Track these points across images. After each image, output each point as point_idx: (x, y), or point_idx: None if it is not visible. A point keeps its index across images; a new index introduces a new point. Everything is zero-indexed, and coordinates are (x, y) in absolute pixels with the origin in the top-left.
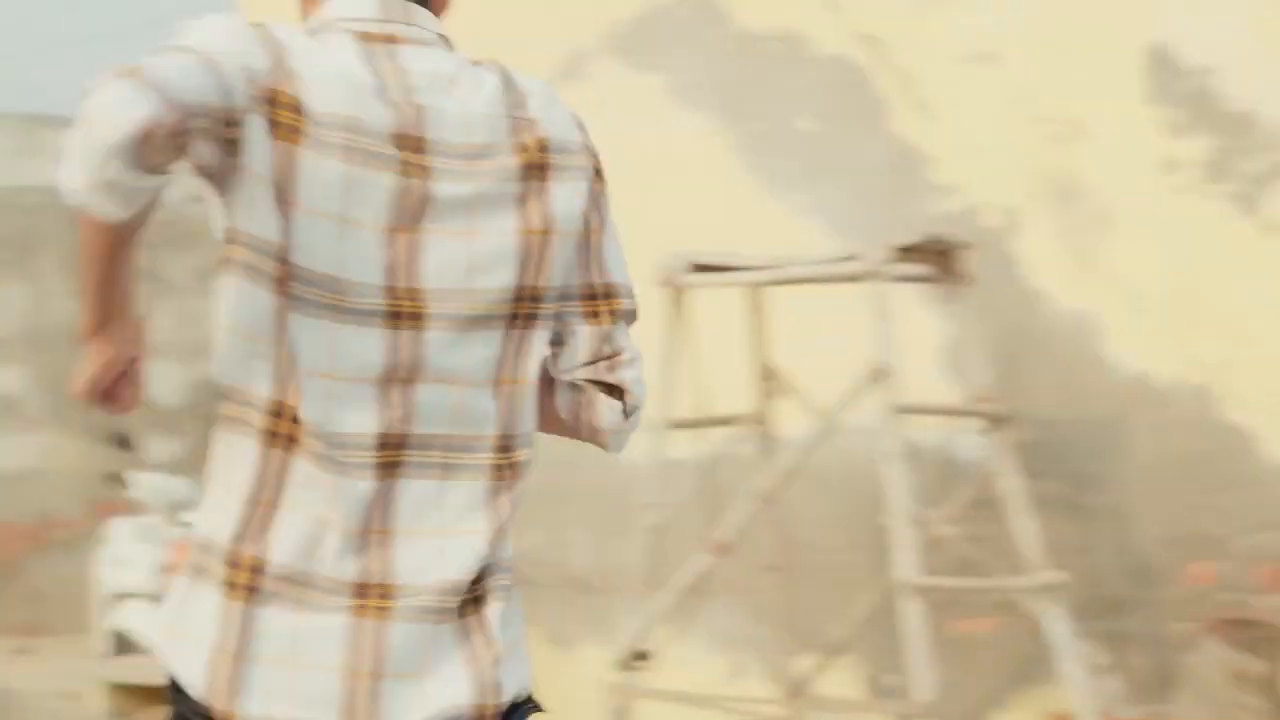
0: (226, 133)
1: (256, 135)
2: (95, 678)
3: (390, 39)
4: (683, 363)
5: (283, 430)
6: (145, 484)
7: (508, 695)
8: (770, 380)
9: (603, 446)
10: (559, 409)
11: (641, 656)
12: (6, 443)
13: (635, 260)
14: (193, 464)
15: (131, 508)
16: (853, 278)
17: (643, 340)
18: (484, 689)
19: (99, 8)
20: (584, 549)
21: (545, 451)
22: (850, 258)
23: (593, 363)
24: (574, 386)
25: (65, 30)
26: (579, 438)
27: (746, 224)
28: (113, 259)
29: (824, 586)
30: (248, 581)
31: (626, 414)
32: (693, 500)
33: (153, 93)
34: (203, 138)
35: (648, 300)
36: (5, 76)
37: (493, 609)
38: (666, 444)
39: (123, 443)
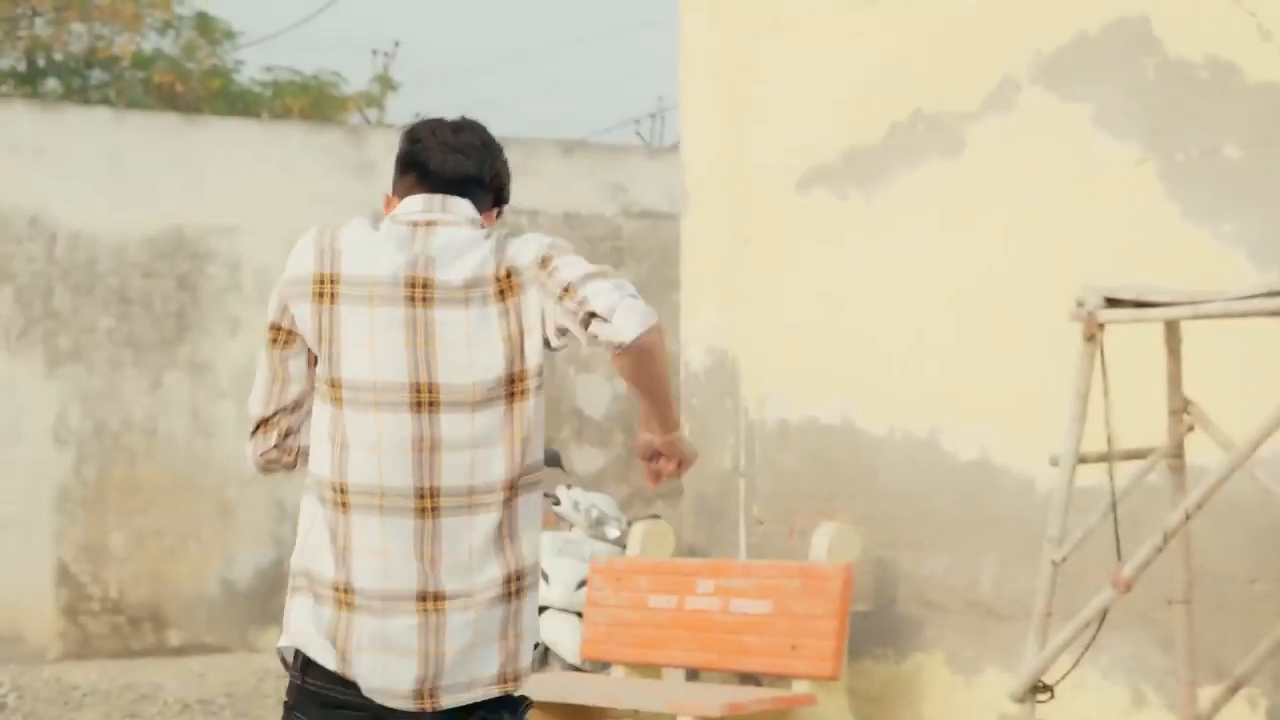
0: (289, 339)
1: (301, 317)
2: None
3: (430, 223)
4: (1095, 396)
5: (337, 497)
6: (568, 499)
7: (525, 668)
8: (1184, 413)
9: (633, 352)
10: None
11: (1042, 689)
12: None
13: (1053, 288)
14: (615, 475)
15: (556, 522)
16: (1274, 313)
17: (1057, 373)
18: (512, 659)
19: (534, 24)
20: (991, 575)
21: (958, 479)
22: (1274, 293)
23: (576, 322)
24: (594, 338)
25: (507, 46)
26: (632, 356)
27: (1166, 251)
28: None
29: (1229, 617)
30: (346, 598)
31: (609, 319)
32: (1100, 531)
33: (249, 439)
34: (294, 360)
35: (1066, 336)
36: (452, 96)
37: (517, 603)
38: (1075, 476)
39: (551, 459)
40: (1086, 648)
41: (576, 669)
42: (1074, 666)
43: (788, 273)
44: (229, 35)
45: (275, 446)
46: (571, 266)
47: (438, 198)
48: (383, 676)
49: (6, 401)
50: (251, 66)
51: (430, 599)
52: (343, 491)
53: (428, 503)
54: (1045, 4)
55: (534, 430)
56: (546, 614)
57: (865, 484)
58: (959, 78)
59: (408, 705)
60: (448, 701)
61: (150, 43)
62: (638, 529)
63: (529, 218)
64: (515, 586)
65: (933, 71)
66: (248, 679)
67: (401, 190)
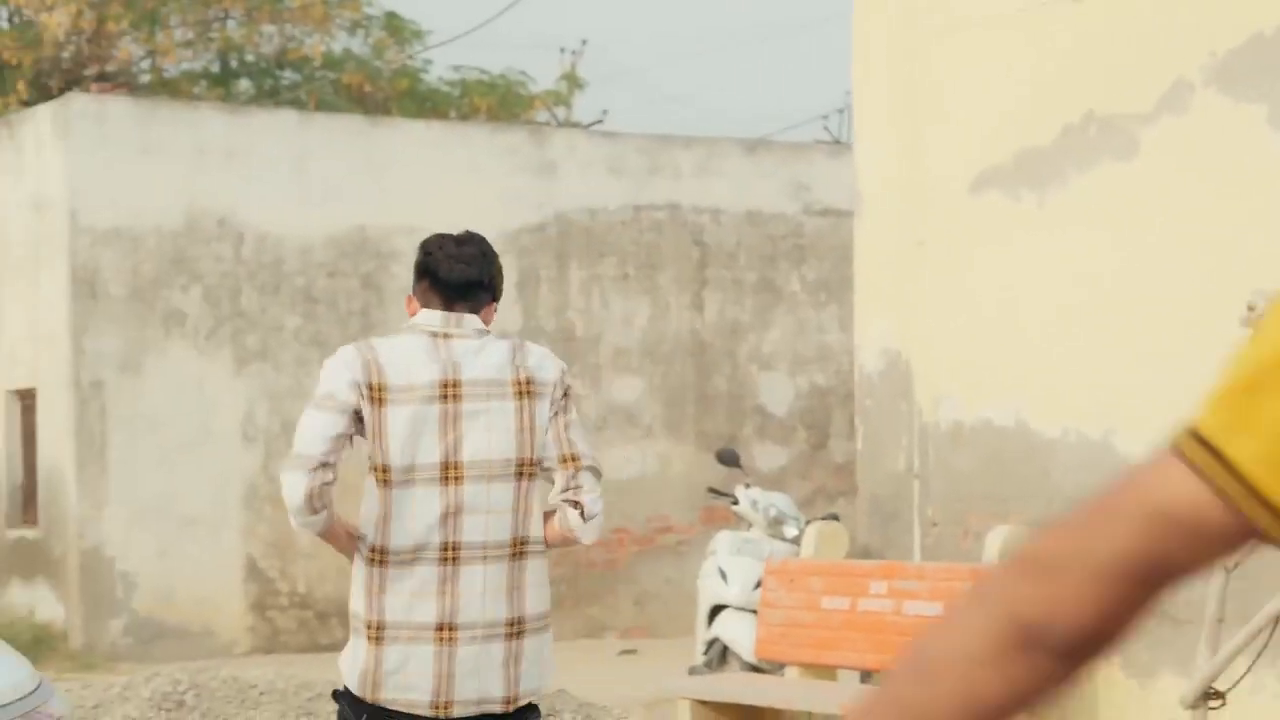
0: (345, 408)
1: (365, 410)
2: (681, 691)
3: (447, 335)
4: None
5: (378, 556)
6: (747, 498)
7: (527, 693)
8: None
9: (573, 543)
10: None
11: (1214, 696)
12: (624, 451)
13: (1225, 290)
14: (798, 473)
15: (735, 521)
16: None
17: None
18: (513, 683)
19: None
20: None
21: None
22: None
23: (563, 491)
24: (554, 509)
25: (695, 42)
26: (556, 545)
27: None
28: None
29: None
30: (376, 634)
31: (585, 519)
32: None
33: (302, 471)
34: (349, 430)
35: (1238, 340)
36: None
37: (529, 641)
38: None
39: (729, 458)
40: (1260, 653)
41: (755, 668)
42: (1247, 672)
43: (961, 274)
44: (417, 35)
45: (331, 481)
46: (581, 437)
47: (452, 315)
48: (402, 690)
49: (196, 400)
50: (439, 66)
51: (446, 629)
52: (382, 554)
53: (449, 554)
54: (1219, 5)
55: (537, 504)
56: (724, 613)
57: (1038, 486)
58: (1132, 80)
59: (425, 713)
60: (458, 711)
61: (340, 43)
62: (812, 530)
63: (710, 217)
64: (517, 629)
65: (1106, 73)
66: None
67: (420, 292)
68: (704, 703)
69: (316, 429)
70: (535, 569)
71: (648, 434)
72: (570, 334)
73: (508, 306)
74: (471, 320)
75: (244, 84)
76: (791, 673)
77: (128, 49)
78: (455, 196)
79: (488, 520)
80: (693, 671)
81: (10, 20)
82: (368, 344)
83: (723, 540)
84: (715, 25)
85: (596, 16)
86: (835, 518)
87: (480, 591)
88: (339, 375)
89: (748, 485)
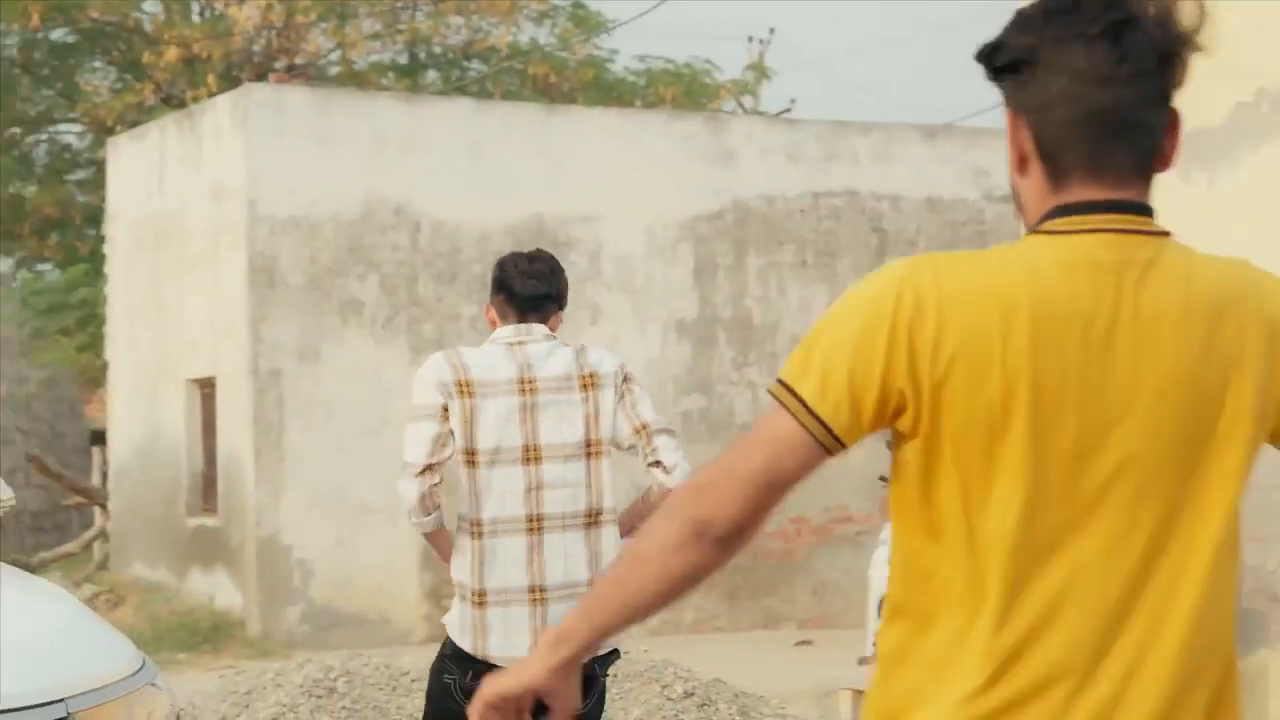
0: (446, 416)
1: (454, 405)
2: (843, 682)
3: (521, 343)
4: None
5: (476, 529)
6: None
7: (604, 646)
8: None
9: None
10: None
11: None
12: None
13: None
14: None
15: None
16: None
17: None
18: None
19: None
20: None
21: None
22: None
23: (646, 458)
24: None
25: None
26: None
27: None
28: None
29: None
30: (479, 600)
31: (669, 472)
32: None
33: (410, 478)
34: (444, 430)
35: None
36: (824, 81)
37: None
38: None
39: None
40: None
41: None
42: None
43: None
44: (603, 24)
45: (439, 483)
46: (647, 407)
47: (524, 326)
48: (505, 648)
49: (372, 388)
50: (624, 56)
51: (537, 591)
52: (478, 525)
53: (535, 525)
54: None
55: (607, 480)
56: None
57: None
58: None
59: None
60: None
61: (527, 34)
62: None
63: (890, 203)
64: None
65: (1278, 49)
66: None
67: (497, 304)
68: (865, 693)
69: (417, 437)
70: (609, 536)
71: None
72: (747, 322)
73: (685, 294)
74: (540, 329)
75: (431, 75)
76: None
77: (316, 42)
78: (632, 184)
79: (565, 494)
80: (862, 663)
81: (201, 14)
82: (454, 351)
83: (889, 530)
84: (902, 14)
85: (784, 6)
86: None
87: (563, 556)
88: (427, 382)
89: None
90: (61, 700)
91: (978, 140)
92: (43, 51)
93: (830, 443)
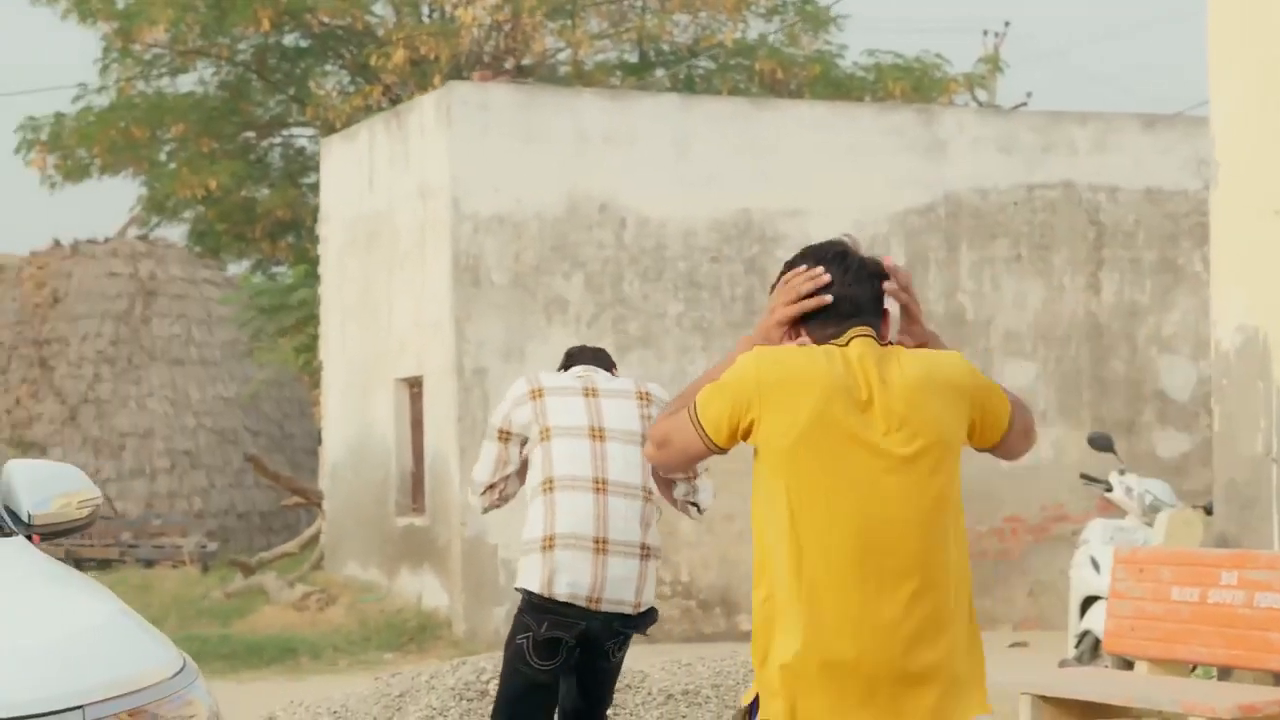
0: (509, 438)
1: (521, 418)
2: (1021, 685)
3: (589, 377)
4: None
5: (548, 486)
6: (1121, 485)
7: (646, 602)
8: None
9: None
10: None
11: None
12: None
13: None
14: (1201, 459)
15: (1108, 508)
16: None
17: None
18: (640, 593)
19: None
20: None
21: None
22: None
23: (684, 495)
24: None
25: (1114, 22)
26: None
27: None
28: None
29: None
30: (549, 544)
31: (701, 511)
32: None
33: (481, 494)
34: (514, 449)
35: None
36: (1057, 73)
37: (650, 564)
38: None
39: (1102, 443)
40: None
41: (1128, 663)
42: None
43: None
44: (833, 20)
45: (497, 500)
46: None
47: (589, 368)
48: (571, 587)
49: None
50: (853, 51)
51: (601, 543)
52: (550, 482)
53: (600, 486)
54: None
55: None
56: (1097, 604)
57: None
58: None
59: (582, 604)
60: (605, 607)
61: (755, 30)
62: (1162, 517)
63: (1107, 195)
64: (645, 553)
65: None
66: (736, 670)
67: (568, 363)
68: (1045, 698)
69: (485, 458)
70: (653, 510)
71: (1041, 420)
72: (960, 317)
73: None
74: (600, 371)
75: (658, 74)
76: (1141, 668)
77: (544, 41)
78: (840, 178)
79: (626, 467)
80: (1063, 665)
81: (430, 15)
82: (534, 374)
83: (1095, 528)
84: (1140, 3)
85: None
86: (1208, 508)
87: (624, 518)
88: (505, 414)
89: (1123, 471)
90: (79, 707)
91: (1199, 129)
92: (275, 56)
93: (711, 447)
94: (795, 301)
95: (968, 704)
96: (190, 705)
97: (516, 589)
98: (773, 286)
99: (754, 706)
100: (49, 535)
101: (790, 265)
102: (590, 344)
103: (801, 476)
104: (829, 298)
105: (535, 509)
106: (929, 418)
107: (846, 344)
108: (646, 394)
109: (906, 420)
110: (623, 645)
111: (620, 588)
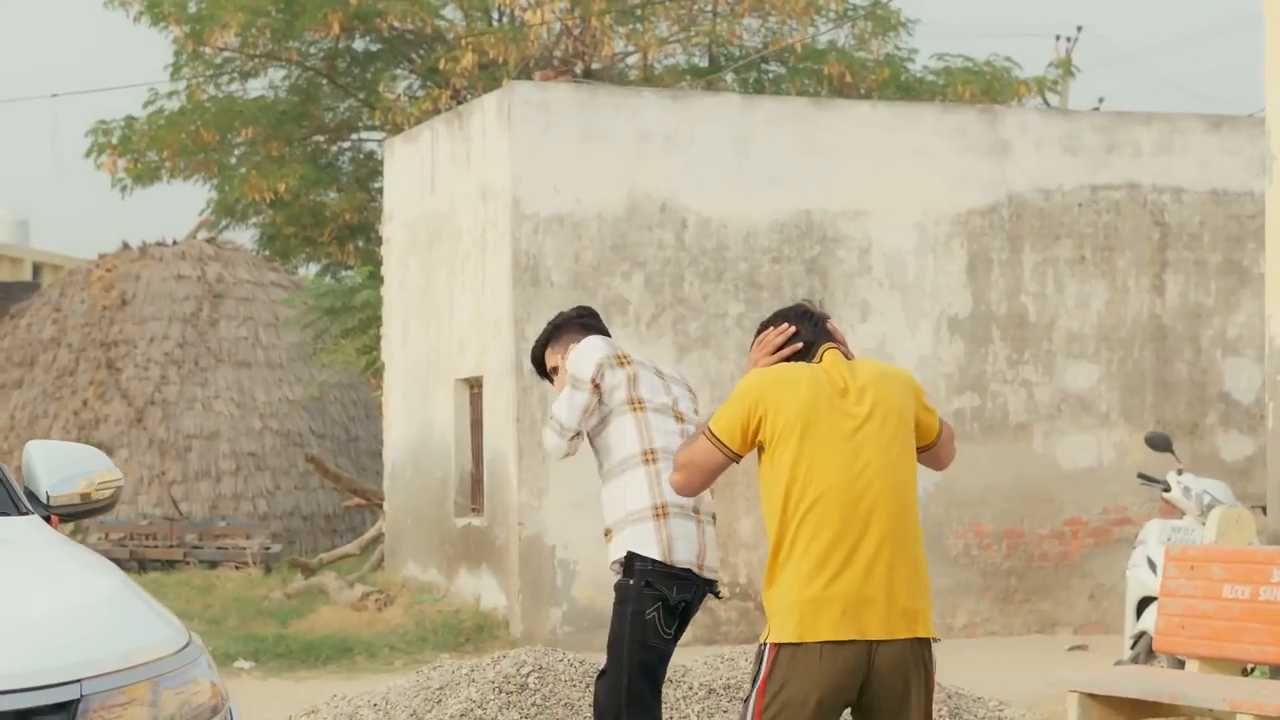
0: (597, 389)
1: (613, 377)
2: (1069, 683)
3: (650, 360)
4: None
5: (649, 456)
6: (1179, 485)
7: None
8: None
9: None
10: None
11: None
12: (1079, 439)
13: None
14: (1266, 462)
15: (1166, 509)
16: None
17: None
18: (717, 559)
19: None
20: None
21: None
22: None
23: None
24: None
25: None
26: None
27: None
28: None
29: None
30: (663, 512)
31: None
32: None
33: (570, 438)
34: (592, 401)
35: None
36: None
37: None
38: None
39: (1160, 443)
40: None
41: (1181, 663)
42: None
43: None
44: (903, 24)
45: (575, 448)
46: None
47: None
48: (687, 554)
49: None
50: (924, 55)
51: (696, 511)
52: (652, 453)
53: None
54: None
55: None
56: (1154, 605)
57: None
58: None
59: (694, 570)
60: (706, 574)
61: (825, 35)
62: (1214, 515)
63: (1172, 196)
64: (712, 520)
65: None
66: None
67: (584, 322)
68: (1093, 696)
69: (574, 405)
70: None
71: (1104, 422)
72: (1023, 319)
73: (958, 290)
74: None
75: (729, 78)
76: (1192, 666)
77: (613, 45)
78: (902, 179)
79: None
80: (1119, 665)
81: (499, 19)
82: (609, 339)
83: (1152, 529)
84: (1221, 6)
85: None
86: (1264, 508)
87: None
88: (595, 366)
89: (1180, 471)
90: (76, 681)
91: (1265, 129)
92: (345, 60)
93: (729, 456)
94: (772, 354)
95: (926, 621)
96: (194, 683)
97: (627, 557)
98: (751, 343)
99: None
100: (70, 516)
101: (764, 326)
102: (648, 344)
103: (801, 446)
104: (800, 344)
105: (636, 478)
106: (886, 394)
107: (820, 359)
108: (689, 386)
109: (869, 394)
110: (686, 623)
111: (712, 554)
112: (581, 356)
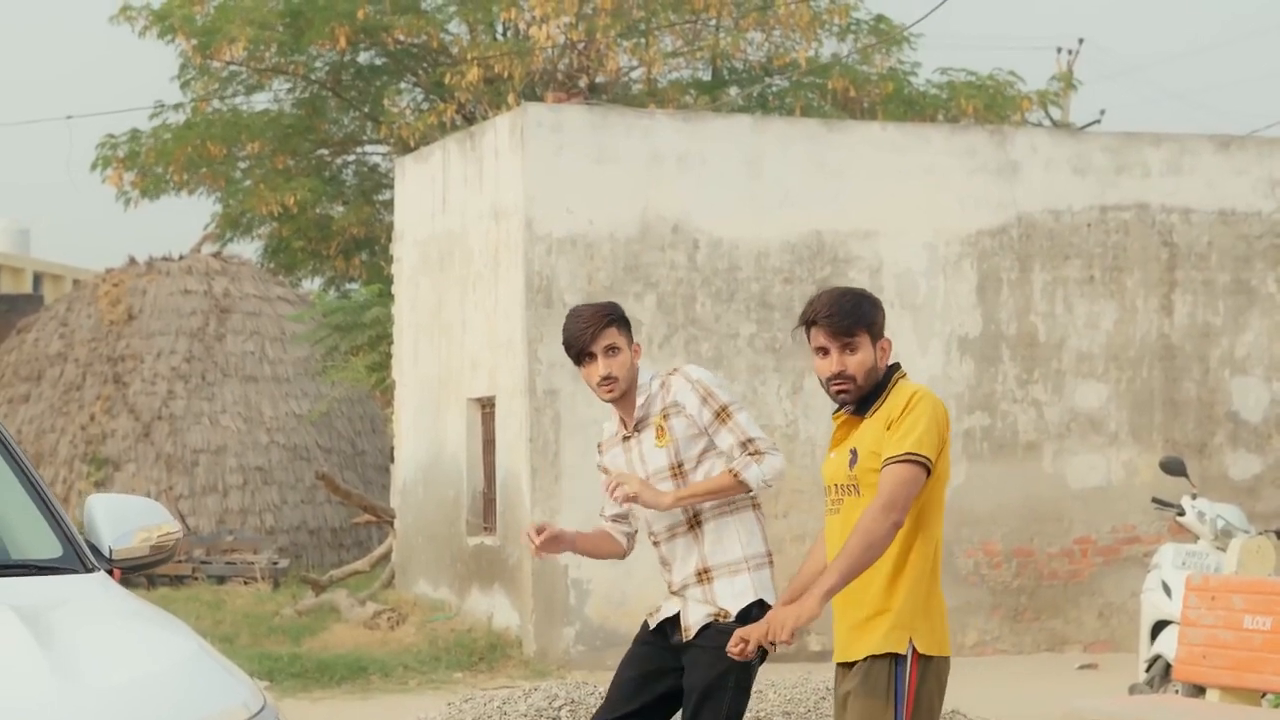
0: None
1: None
2: (1082, 712)
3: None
4: None
5: (757, 504)
6: (1193, 509)
7: None
8: None
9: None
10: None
11: None
12: (1088, 459)
13: None
14: (1273, 481)
15: (1179, 533)
16: None
17: None
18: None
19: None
20: None
21: None
22: None
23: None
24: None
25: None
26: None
27: None
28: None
29: None
30: (770, 560)
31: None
32: None
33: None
34: None
35: None
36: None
37: (715, 584)
38: None
39: (1174, 467)
40: None
41: (1199, 689)
42: None
43: None
44: (904, 37)
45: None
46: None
47: None
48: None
49: None
50: (926, 69)
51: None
52: (756, 495)
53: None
54: None
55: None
56: (1167, 629)
57: None
58: None
59: None
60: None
61: (828, 49)
62: (1235, 544)
63: (1180, 216)
64: (706, 577)
65: None
66: (807, 697)
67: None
68: None
69: (752, 421)
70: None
71: (1113, 441)
72: (1032, 339)
73: (968, 311)
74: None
75: (732, 92)
76: (1212, 695)
77: (617, 60)
78: (912, 199)
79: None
80: (1133, 690)
81: (504, 34)
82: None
83: (1166, 552)
84: (1224, 18)
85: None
86: (1276, 531)
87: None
88: (720, 383)
89: (1195, 495)
90: None
91: (1274, 150)
92: (350, 74)
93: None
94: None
95: None
96: None
97: (758, 605)
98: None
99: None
100: (130, 569)
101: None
102: (660, 365)
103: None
104: None
105: (749, 520)
106: None
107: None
108: (671, 403)
109: None
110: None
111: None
112: (711, 378)
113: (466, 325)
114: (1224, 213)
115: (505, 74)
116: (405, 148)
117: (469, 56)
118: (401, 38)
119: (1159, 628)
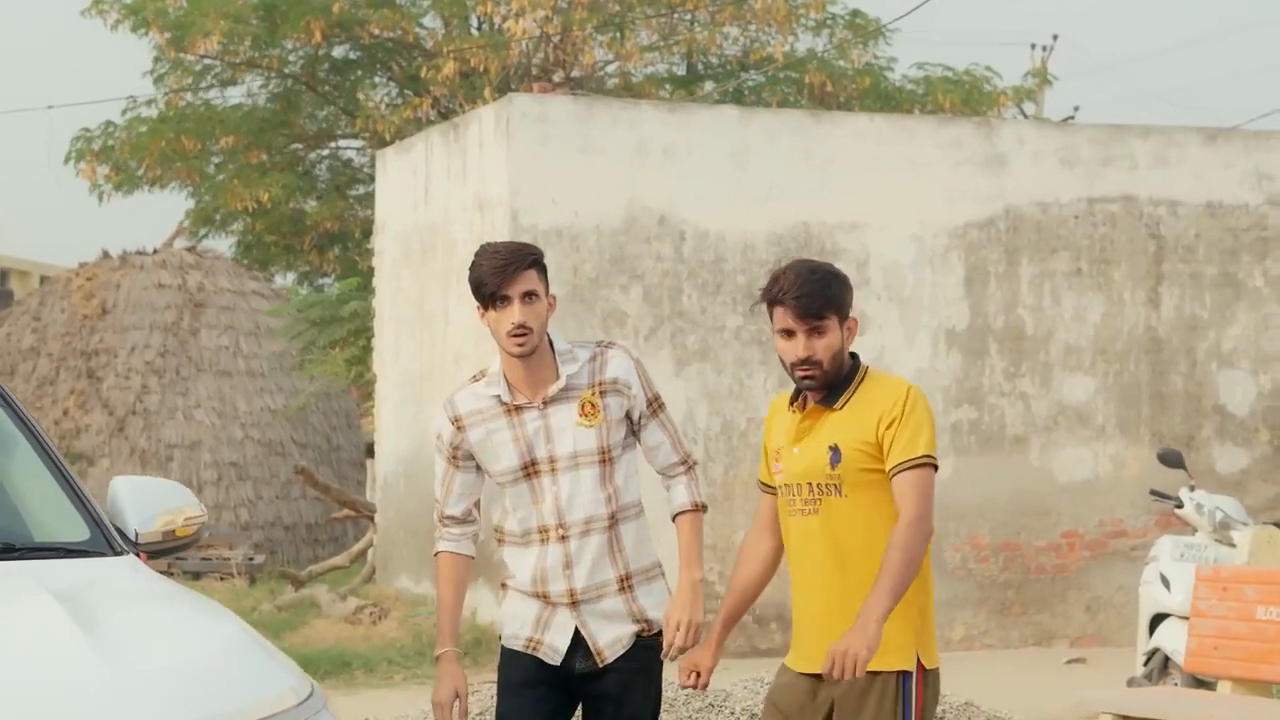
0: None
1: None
2: (1101, 704)
3: None
4: None
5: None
6: (1191, 501)
7: None
8: None
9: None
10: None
11: None
12: (1075, 452)
13: None
14: (1261, 475)
15: (1178, 526)
16: None
17: None
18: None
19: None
20: None
21: None
22: None
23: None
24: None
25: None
26: None
27: None
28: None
29: None
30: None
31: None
32: None
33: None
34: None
35: None
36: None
37: (637, 590)
38: None
39: (1172, 459)
40: None
41: (1199, 682)
42: None
43: None
44: (880, 31)
45: None
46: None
47: None
48: None
49: None
50: (903, 64)
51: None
52: None
53: None
54: None
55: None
56: (1166, 622)
57: None
58: None
59: None
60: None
61: (804, 43)
62: (1246, 534)
63: (1168, 209)
64: (627, 584)
65: None
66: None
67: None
68: (1126, 718)
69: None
70: None
71: (1100, 434)
72: (1020, 332)
73: (955, 303)
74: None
75: (707, 86)
76: (1224, 687)
77: (593, 54)
78: (899, 191)
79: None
80: (1131, 683)
81: (479, 28)
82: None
83: (1165, 545)
84: (1198, 17)
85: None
86: (1275, 523)
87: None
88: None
89: (1192, 488)
90: None
91: (1261, 143)
92: (324, 68)
93: None
94: None
95: None
96: None
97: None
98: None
99: None
100: (155, 554)
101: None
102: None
103: None
104: None
105: (645, 526)
106: None
107: None
108: (605, 381)
109: None
110: None
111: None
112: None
113: (449, 318)
114: (1211, 205)
115: (481, 68)
116: (380, 142)
117: (444, 50)
118: (376, 32)
119: (1157, 620)
